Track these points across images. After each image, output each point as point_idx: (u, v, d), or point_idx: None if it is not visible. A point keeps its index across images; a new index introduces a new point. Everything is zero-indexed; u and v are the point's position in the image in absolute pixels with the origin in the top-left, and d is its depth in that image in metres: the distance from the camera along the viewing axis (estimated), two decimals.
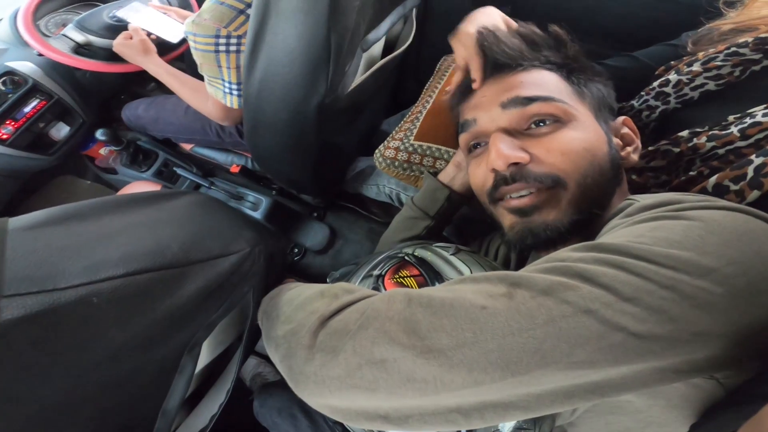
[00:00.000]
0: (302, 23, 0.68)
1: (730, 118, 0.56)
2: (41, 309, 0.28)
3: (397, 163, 0.89)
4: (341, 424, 0.56)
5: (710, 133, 0.57)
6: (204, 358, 0.61)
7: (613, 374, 0.32)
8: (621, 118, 0.60)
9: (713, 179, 0.53)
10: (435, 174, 0.77)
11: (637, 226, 0.39)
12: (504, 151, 0.52)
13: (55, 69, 1.21)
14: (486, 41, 0.59)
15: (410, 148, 0.88)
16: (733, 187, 0.50)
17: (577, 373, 0.32)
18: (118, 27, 1.20)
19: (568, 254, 0.39)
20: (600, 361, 0.32)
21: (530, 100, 0.53)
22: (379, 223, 1.25)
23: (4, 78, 1.14)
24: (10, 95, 1.14)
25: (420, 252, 0.57)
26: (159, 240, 0.41)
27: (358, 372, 0.36)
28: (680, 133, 0.61)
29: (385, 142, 0.93)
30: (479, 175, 0.58)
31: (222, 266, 0.47)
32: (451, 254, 0.56)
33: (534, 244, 0.52)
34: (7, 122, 1.14)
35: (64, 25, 1.22)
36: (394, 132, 0.94)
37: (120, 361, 0.37)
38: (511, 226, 0.54)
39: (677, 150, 0.60)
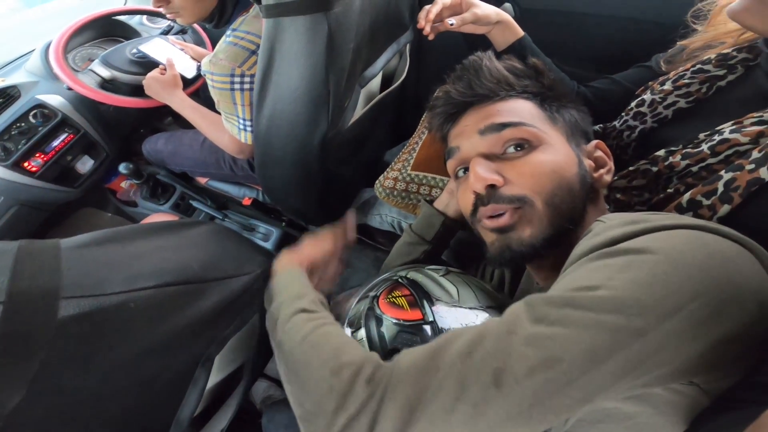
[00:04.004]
0: (303, 66, 0.74)
1: (701, 135, 0.59)
2: (92, 309, 0.34)
3: (395, 193, 0.93)
4: None
5: (684, 151, 0.59)
6: (215, 375, 0.66)
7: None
8: (594, 142, 0.64)
9: (687, 195, 0.55)
10: (431, 201, 0.82)
11: (607, 263, 0.42)
12: (481, 174, 0.56)
13: (83, 103, 1.23)
14: (468, 75, 0.65)
15: (407, 178, 0.92)
16: (705, 202, 0.53)
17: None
18: (141, 63, 1.24)
19: (546, 310, 0.40)
20: (580, 401, 0.36)
21: (503, 125, 0.59)
22: (385, 251, 1.24)
23: (35, 111, 1.14)
24: (40, 128, 1.15)
25: (412, 274, 0.61)
26: (182, 260, 0.47)
27: None
28: (657, 153, 0.63)
29: (385, 172, 0.97)
30: (464, 198, 0.63)
31: (235, 285, 0.53)
32: (440, 275, 0.61)
33: (512, 259, 0.56)
34: (37, 155, 1.15)
35: (90, 60, 1.25)
36: (392, 163, 0.99)
37: (145, 362, 0.42)
38: (492, 243, 0.59)
39: (655, 169, 0.62)
